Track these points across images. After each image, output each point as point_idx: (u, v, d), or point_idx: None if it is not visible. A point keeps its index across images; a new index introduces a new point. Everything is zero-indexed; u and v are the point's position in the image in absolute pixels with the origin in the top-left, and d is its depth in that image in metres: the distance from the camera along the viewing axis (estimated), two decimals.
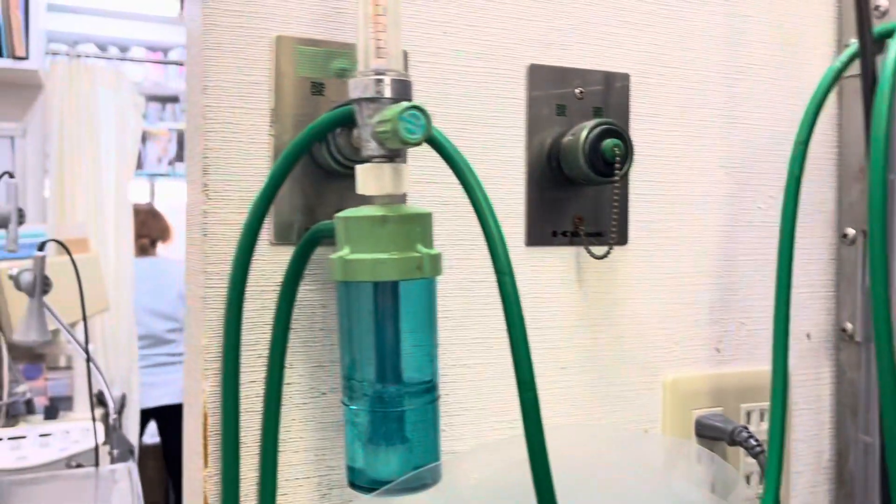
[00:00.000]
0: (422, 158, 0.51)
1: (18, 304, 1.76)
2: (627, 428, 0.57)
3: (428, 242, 0.40)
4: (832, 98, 0.64)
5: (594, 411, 0.56)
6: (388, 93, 0.39)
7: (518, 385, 0.39)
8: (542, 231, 0.54)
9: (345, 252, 0.39)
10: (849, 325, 0.63)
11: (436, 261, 0.40)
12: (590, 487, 0.48)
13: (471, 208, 0.52)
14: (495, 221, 0.40)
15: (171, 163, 3.46)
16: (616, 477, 0.48)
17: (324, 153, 0.44)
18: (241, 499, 0.46)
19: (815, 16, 0.63)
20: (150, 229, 2.84)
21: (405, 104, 0.36)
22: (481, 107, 0.52)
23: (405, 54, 0.49)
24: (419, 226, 0.40)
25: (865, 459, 0.62)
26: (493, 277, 0.53)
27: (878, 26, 0.49)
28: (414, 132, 0.36)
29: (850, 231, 0.63)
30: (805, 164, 0.52)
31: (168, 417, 2.71)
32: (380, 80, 0.39)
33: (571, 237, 0.55)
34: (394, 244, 0.39)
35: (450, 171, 0.51)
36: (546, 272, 0.54)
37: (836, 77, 0.51)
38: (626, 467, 0.52)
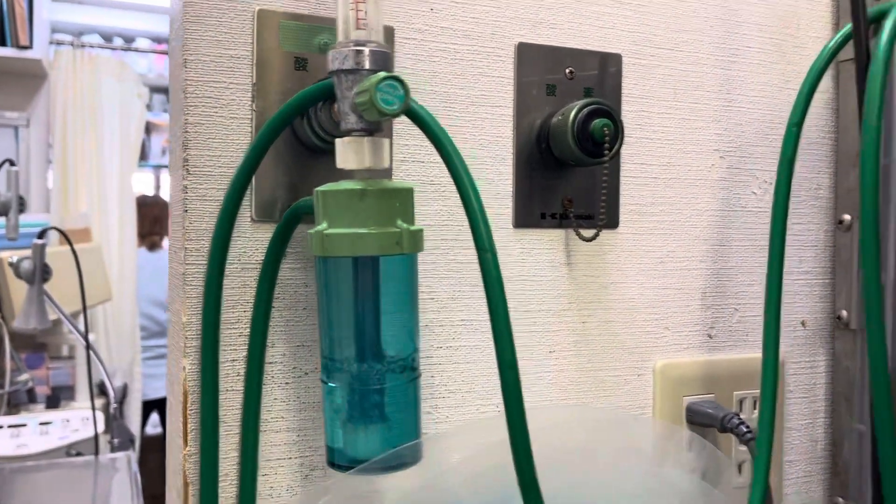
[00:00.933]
0: (410, 137, 0.50)
1: (20, 292, 1.77)
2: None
3: (408, 217, 0.40)
4: (829, 82, 0.63)
5: (583, 396, 0.56)
6: (367, 64, 0.38)
7: (499, 365, 0.39)
8: (530, 212, 0.53)
9: (323, 227, 0.39)
10: (844, 313, 0.62)
11: (416, 236, 0.39)
12: (579, 469, 0.47)
13: None
14: (477, 196, 0.39)
15: None
16: (606, 460, 0.48)
17: (305, 129, 0.44)
18: (222, 478, 0.45)
19: None
20: (162, 226, 2.85)
21: (382, 74, 0.36)
22: (469, 86, 0.51)
23: (391, 30, 0.49)
24: (399, 200, 0.39)
25: (860, 448, 0.61)
26: None
27: (873, 7, 0.48)
28: (391, 103, 0.35)
29: (847, 217, 0.62)
30: (798, 146, 0.51)
31: None
32: (359, 52, 0.38)
33: (561, 219, 0.54)
34: (373, 219, 0.38)
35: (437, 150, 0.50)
36: (534, 254, 0.54)
37: (830, 59, 0.50)
38: (616, 450, 0.51)
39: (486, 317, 0.52)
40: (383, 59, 0.39)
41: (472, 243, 0.52)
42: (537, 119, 0.53)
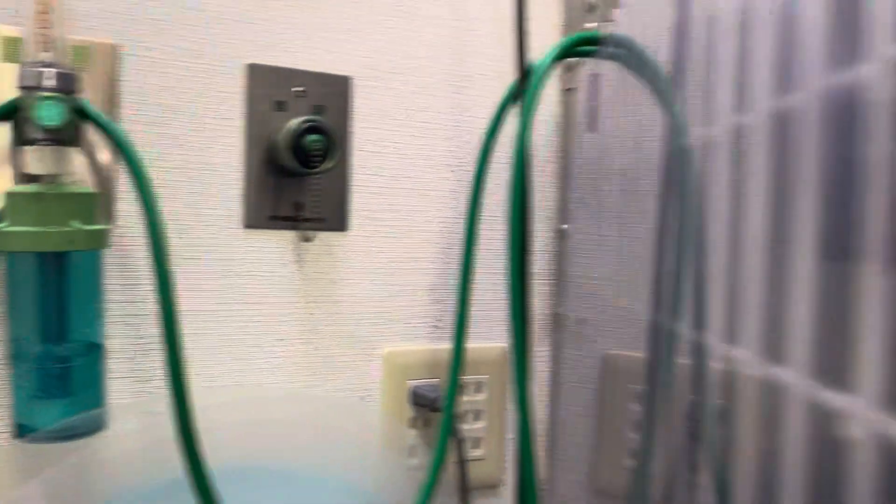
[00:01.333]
0: (145, 144, 0.55)
1: None
2: (344, 395, 0.64)
3: (87, 219, 0.45)
4: (559, 108, 0.72)
5: (311, 380, 0.63)
6: (47, 83, 0.43)
7: (164, 348, 0.45)
8: (259, 215, 0.60)
9: (4, 224, 0.44)
10: (562, 310, 0.71)
11: (94, 235, 0.45)
12: (275, 450, 0.54)
13: (192, 189, 0.57)
14: (147, 188, 0.45)
15: None
16: (283, 432, 0.55)
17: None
18: None
19: (539, 34, 0.71)
20: None
21: (44, 94, 0.41)
22: (198, 99, 0.57)
23: (117, 48, 0.54)
24: (76, 203, 0.45)
25: (575, 429, 0.71)
26: (212, 255, 0.58)
27: (530, 62, 0.57)
28: (51, 119, 0.41)
29: (565, 227, 0.71)
30: (486, 167, 0.59)
31: None
32: (41, 73, 0.43)
33: (293, 222, 0.61)
34: (49, 219, 0.44)
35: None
36: (264, 252, 0.60)
37: (510, 97, 0.59)
38: (295, 424, 0.58)
39: (217, 306, 0.59)
40: (65, 80, 0.44)
41: (197, 240, 0.58)
42: (268, 132, 0.59)
